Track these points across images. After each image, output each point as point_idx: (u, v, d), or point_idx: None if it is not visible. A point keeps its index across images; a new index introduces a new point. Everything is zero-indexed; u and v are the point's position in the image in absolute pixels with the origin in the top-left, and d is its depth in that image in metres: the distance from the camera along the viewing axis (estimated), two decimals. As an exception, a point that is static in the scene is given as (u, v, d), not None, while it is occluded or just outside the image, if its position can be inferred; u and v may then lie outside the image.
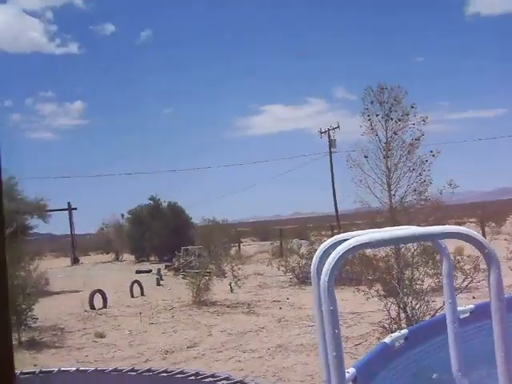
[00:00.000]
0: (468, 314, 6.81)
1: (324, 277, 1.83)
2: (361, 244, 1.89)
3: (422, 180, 11.69)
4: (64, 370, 8.77)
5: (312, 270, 2.14)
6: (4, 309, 0.89)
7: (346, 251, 1.85)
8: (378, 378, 6.25)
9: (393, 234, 1.95)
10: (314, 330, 6.05)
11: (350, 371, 5.26)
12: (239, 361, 9.83)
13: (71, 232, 48.68)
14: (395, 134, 11.67)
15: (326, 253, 1.98)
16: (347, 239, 1.99)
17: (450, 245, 4.73)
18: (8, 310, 0.89)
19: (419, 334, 6.83)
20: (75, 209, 50.23)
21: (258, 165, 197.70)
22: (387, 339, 6.73)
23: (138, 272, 29.68)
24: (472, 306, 6.81)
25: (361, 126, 11.90)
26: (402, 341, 6.86)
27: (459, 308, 7.97)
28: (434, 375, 5.15)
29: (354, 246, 1.85)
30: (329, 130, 49.68)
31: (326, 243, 2.17)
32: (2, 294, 0.88)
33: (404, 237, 1.99)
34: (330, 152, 49.13)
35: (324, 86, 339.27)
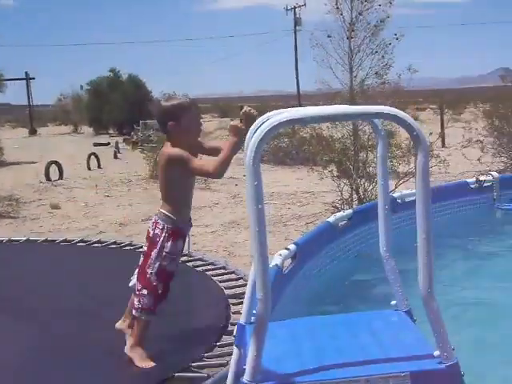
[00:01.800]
0: (411, 198, 6.93)
1: (250, 152, 1.80)
2: (290, 120, 1.85)
3: (385, 63, 11.53)
4: (14, 240, 8.79)
5: (245, 144, 2.12)
6: None
7: (274, 127, 1.81)
8: (320, 256, 6.42)
9: (324, 111, 1.92)
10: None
11: (291, 248, 5.38)
12: (192, 235, 9.94)
13: (29, 102, 47.81)
14: (360, 14, 11.34)
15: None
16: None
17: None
18: None
19: (363, 215, 6.99)
20: (33, 78, 49.09)
21: (224, 40, 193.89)
22: (331, 218, 6.89)
23: (95, 145, 29.54)
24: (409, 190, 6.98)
25: (325, 5, 11.54)
26: (345, 221, 7.03)
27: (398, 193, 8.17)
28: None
29: (282, 122, 1.82)
30: (295, 7, 49.03)
31: (261, 118, 2.14)
32: None
33: (334, 114, 1.97)
34: (295, 30, 48.60)
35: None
